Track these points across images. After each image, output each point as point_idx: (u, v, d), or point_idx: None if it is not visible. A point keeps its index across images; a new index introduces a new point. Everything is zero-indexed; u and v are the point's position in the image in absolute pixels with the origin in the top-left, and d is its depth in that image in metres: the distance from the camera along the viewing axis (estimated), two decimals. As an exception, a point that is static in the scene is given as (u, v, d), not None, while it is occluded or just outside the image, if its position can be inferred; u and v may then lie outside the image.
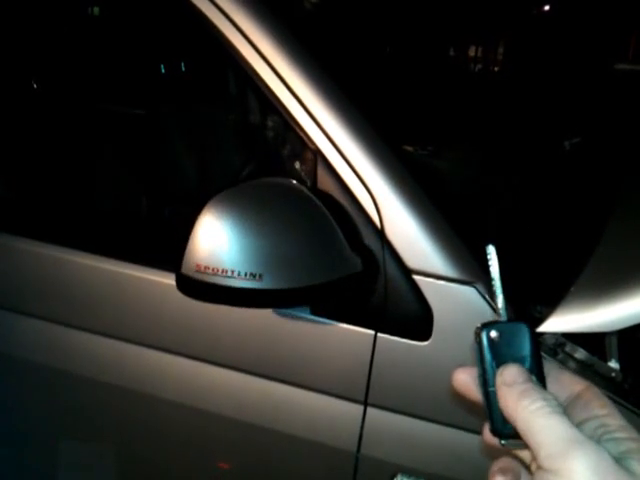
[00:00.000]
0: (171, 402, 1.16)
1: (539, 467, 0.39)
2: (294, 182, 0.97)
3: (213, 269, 0.88)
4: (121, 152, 1.42)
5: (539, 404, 0.40)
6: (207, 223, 0.88)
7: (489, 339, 0.44)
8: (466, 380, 0.46)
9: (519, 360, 0.44)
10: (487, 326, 0.44)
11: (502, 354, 0.44)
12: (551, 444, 0.38)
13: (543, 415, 0.40)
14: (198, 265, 0.89)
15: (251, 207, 0.90)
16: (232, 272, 0.87)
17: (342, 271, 0.94)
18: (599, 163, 1.67)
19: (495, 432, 0.44)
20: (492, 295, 0.45)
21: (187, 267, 0.90)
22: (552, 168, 1.65)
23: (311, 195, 0.94)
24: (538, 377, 0.43)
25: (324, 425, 1.06)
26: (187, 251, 0.90)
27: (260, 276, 0.88)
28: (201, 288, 0.90)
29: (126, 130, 1.45)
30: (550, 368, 0.45)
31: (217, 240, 0.88)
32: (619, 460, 0.38)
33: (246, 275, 0.87)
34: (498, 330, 0.44)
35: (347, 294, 0.99)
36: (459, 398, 0.47)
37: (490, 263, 0.45)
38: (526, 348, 0.44)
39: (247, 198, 0.91)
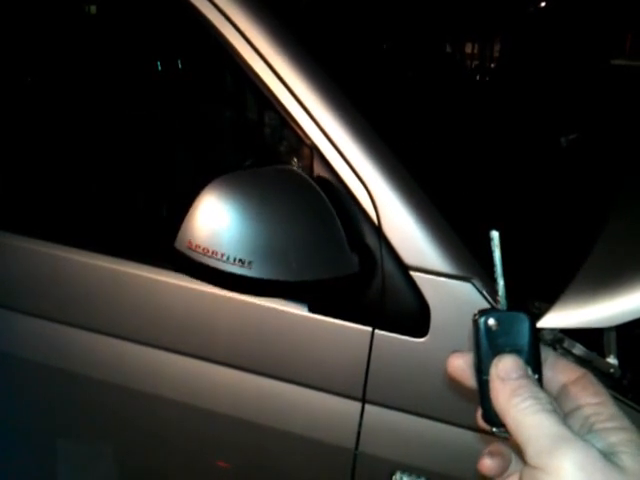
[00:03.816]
0: (169, 400, 1.15)
1: (527, 464, 0.39)
2: (304, 174, 0.95)
3: (204, 249, 0.88)
4: (118, 149, 1.42)
5: (529, 402, 0.40)
6: (207, 202, 0.87)
7: (486, 327, 0.43)
8: (461, 366, 0.45)
9: (516, 350, 0.43)
10: (485, 313, 0.43)
11: (499, 343, 0.43)
12: (538, 441, 0.38)
13: (532, 413, 0.39)
14: (190, 242, 0.88)
15: (254, 193, 0.89)
16: (222, 255, 0.87)
17: (337, 271, 0.93)
18: (597, 159, 1.67)
19: (487, 420, 0.44)
20: (493, 282, 0.44)
21: (180, 242, 0.90)
22: (549, 164, 1.65)
23: (319, 190, 0.93)
24: (535, 369, 0.43)
25: (322, 422, 1.06)
26: (182, 227, 0.89)
27: (250, 263, 0.87)
28: (191, 266, 0.89)
29: (122, 127, 1.44)
30: (547, 355, 0.45)
31: (214, 221, 0.87)
32: (609, 454, 0.38)
33: (235, 260, 0.87)
34: (496, 318, 0.43)
35: (339, 295, 0.99)
36: (453, 383, 0.47)
37: (493, 249, 0.43)
38: (524, 338, 0.43)
39: (252, 183, 0.90)
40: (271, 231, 0.88)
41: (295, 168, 0.97)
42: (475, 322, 0.43)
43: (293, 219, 0.90)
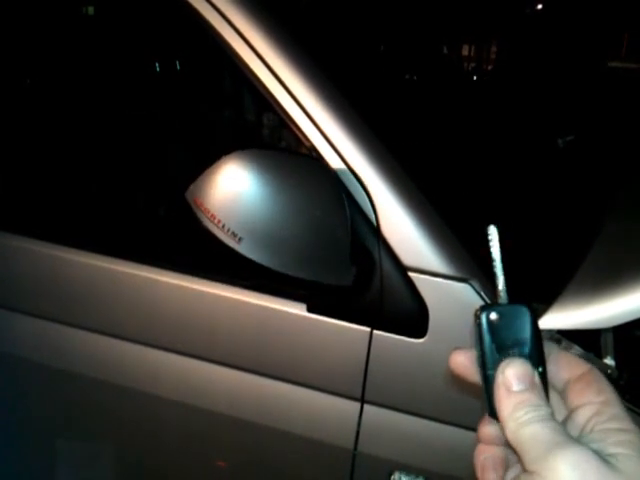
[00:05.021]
0: (168, 400, 1.16)
1: (525, 471, 0.39)
2: (335, 174, 0.95)
3: (205, 209, 0.88)
4: (116, 149, 1.42)
5: (530, 415, 0.40)
6: (226, 168, 0.87)
7: (489, 321, 0.43)
8: (464, 362, 0.46)
9: (519, 343, 0.43)
10: (487, 308, 0.43)
11: (502, 336, 0.43)
12: (534, 448, 0.39)
13: (530, 423, 0.40)
14: (197, 198, 0.89)
15: (276, 175, 0.88)
16: (219, 221, 0.88)
17: (329, 277, 0.93)
18: (594, 160, 1.68)
19: (492, 415, 0.43)
20: (493, 277, 0.44)
21: (190, 194, 0.91)
22: (547, 165, 1.65)
23: (343, 195, 0.92)
24: (538, 361, 0.43)
25: (321, 422, 1.06)
26: (197, 180, 0.90)
27: (240, 239, 0.87)
28: (191, 217, 0.90)
29: (121, 128, 1.44)
30: (551, 350, 0.45)
31: (225, 188, 0.88)
32: (606, 455, 0.38)
33: (228, 231, 0.87)
34: (498, 312, 0.43)
35: (319, 302, 0.99)
36: (456, 380, 0.47)
37: (491, 244, 0.43)
38: (526, 331, 0.43)
39: (277, 165, 0.89)
40: (277, 217, 0.88)
41: (331, 168, 0.96)
42: (477, 317, 0.44)
43: (303, 213, 0.89)
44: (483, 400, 0.44)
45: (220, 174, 0.88)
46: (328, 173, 0.92)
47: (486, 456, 0.44)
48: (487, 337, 0.43)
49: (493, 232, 0.43)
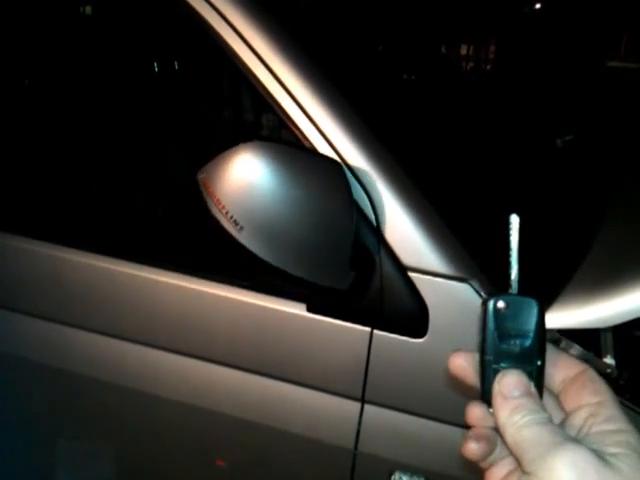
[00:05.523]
0: (169, 400, 1.16)
1: (524, 473, 0.40)
2: (352, 180, 0.95)
3: (212, 192, 0.88)
4: (116, 150, 1.42)
5: (527, 418, 0.40)
6: (240, 157, 0.87)
7: (495, 308, 0.43)
8: (462, 364, 0.46)
9: (522, 334, 0.43)
10: (496, 295, 0.44)
11: (506, 325, 0.43)
12: (533, 450, 0.39)
13: (528, 426, 0.40)
14: (206, 181, 0.89)
15: (289, 171, 0.88)
16: (223, 207, 0.88)
17: (324, 279, 0.93)
18: (593, 160, 1.68)
19: (485, 400, 0.44)
20: (507, 266, 0.44)
21: (200, 174, 0.91)
22: (546, 165, 1.66)
23: (352, 202, 0.92)
24: (539, 355, 0.43)
25: (321, 422, 1.06)
26: (210, 162, 0.90)
27: (241, 228, 0.88)
28: (198, 197, 0.90)
29: (120, 128, 1.44)
30: (548, 350, 0.45)
31: (235, 175, 0.87)
32: (604, 455, 0.38)
33: (231, 218, 0.88)
34: (506, 301, 0.44)
35: (319, 301, 0.99)
36: (454, 381, 0.47)
37: (511, 233, 0.44)
38: (531, 324, 0.43)
39: (293, 162, 0.89)
40: (282, 212, 0.88)
41: (345, 168, 0.95)
42: (484, 303, 0.44)
43: (309, 212, 0.89)
44: (478, 385, 0.45)
45: (233, 161, 0.88)
46: (342, 175, 0.92)
47: (472, 433, 0.45)
48: (491, 323, 0.44)
49: (515, 222, 0.44)
